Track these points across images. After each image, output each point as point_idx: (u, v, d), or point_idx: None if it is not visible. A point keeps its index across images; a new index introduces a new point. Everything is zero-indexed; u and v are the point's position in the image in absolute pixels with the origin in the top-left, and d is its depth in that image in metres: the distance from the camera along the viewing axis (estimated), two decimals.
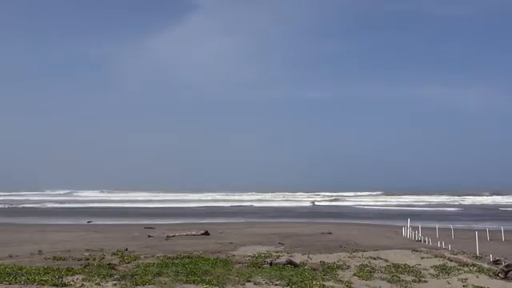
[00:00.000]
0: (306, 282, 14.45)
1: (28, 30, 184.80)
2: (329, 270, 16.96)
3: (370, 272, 16.63)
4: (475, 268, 17.29)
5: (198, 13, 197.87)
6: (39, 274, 15.08)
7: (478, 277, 15.95)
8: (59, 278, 14.45)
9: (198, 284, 14.13)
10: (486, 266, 17.90)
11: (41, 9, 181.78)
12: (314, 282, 14.40)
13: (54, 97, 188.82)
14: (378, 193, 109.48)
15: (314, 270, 16.79)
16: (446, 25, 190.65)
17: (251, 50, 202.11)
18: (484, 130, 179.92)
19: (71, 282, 14.02)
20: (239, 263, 18.13)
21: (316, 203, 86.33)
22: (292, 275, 15.45)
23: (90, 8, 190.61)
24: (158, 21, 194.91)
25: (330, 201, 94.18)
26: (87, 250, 21.77)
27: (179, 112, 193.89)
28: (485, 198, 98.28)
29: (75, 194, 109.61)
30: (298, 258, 19.38)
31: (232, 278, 14.97)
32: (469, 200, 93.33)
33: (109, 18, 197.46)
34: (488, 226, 33.72)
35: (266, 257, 19.79)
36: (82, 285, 13.79)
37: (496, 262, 18.46)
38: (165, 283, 14.10)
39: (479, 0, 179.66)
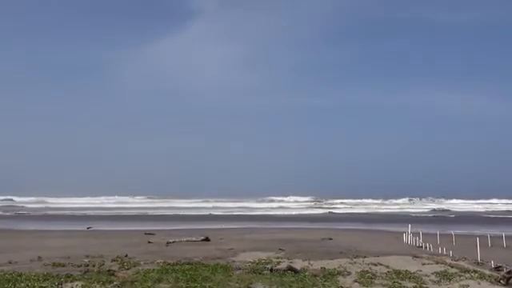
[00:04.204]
0: None
1: (27, 36, 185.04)
2: (329, 276, 16.90)
3: (371, 278, 16.57)
4: (477, 274, 17.25)
5: (198, 19, 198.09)
6: (39, 280, 15.06)
7: (479, 283, 15.91)
8: (59, 284, 14.43)
9: None
10: (487, 272, 17.88)
11: (40, 14, 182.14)
12: None
13: (53, 103, 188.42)
14: (378, 200, 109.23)
15: (315, 276, 16.74)
16: (447, 31, 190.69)
17: (251, 57, 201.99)
18: (484, 136, 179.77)
19: None
20: (239, 269, 18.07)
21: (316, 209, 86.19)
22: (292, 281, 15.41)
23: (90, 14, 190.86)
24: (158, 27, 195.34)
25: (330, 207, 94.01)
26: (87, 257, 21.69)
27: (178, 118, 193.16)
28: (477, 205, 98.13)
29: (75, 199, 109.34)
30: (298, 264, 19.32)
31: (232, 284, 14.93)
32: (467, 206, 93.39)
33: (109, 25, 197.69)
34: (489, 231, 33.61)
35: (266, 263, 19.74)
36: None
37: (497, 269, 18.41)
38: None
39: (480, 7, 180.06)
